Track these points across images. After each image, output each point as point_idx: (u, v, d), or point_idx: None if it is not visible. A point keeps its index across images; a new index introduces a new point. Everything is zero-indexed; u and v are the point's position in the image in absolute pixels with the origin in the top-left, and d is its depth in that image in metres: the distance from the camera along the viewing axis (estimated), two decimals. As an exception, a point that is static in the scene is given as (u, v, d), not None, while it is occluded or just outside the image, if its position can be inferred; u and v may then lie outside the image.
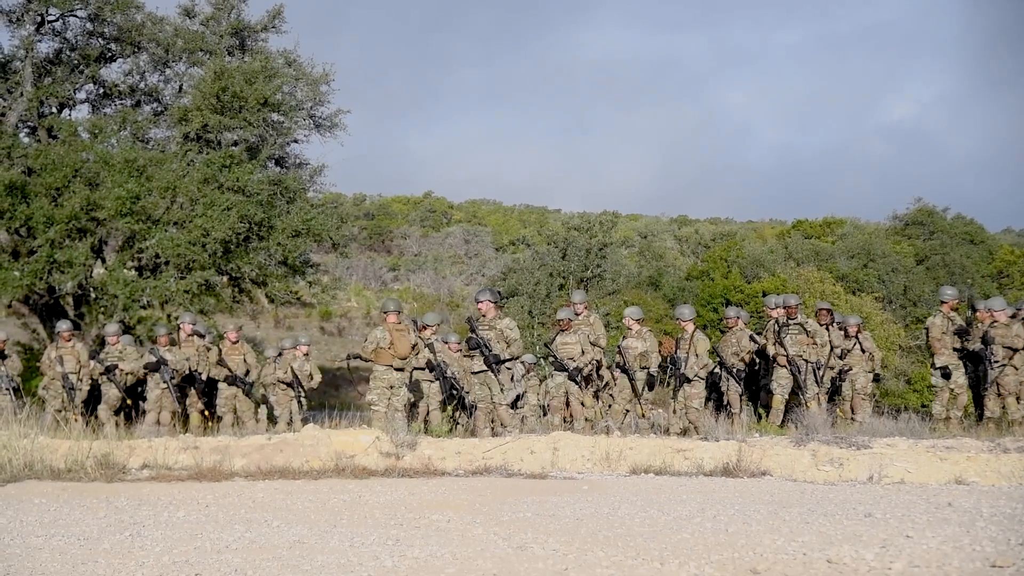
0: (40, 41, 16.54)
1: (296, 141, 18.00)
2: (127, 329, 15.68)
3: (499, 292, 12.14)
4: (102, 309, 15.01)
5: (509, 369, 11.58)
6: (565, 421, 11.97)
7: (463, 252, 55.77)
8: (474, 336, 11.37)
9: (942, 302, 12.67)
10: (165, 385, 12.57)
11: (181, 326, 13.17)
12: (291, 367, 13.40)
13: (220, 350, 13.45)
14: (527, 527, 6.08)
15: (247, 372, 13.46)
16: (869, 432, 9.97)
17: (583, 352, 12.05)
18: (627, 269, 35.28)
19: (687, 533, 5.78)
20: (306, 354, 13.69)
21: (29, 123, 16.71)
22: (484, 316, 11.53)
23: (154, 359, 12.62)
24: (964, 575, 4.69)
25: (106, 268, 15.30)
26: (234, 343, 13.53)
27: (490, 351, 11.29)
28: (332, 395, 14.41)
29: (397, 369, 11.29)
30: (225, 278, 16.25)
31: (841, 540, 5.46)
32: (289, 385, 13.39)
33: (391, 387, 11.30)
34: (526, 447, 9.28)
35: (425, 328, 12.60)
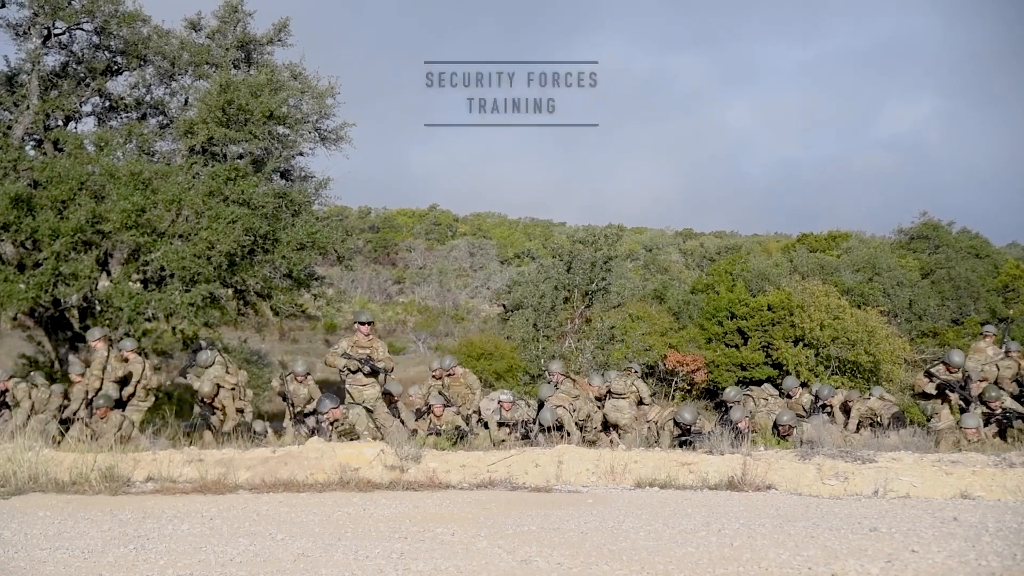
0: (47, 54, 16.58)
1: (301, 154, 17.99)
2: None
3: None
4: (107, 322, 15.01)
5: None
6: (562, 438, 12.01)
7: (468, 265, 55.84)
8: (354, 358, 11.89)
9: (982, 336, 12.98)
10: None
11: (121, 351, 12.90)
12: (286, 391, 13.27)
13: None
14: (532, 540, 6.07)
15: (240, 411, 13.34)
16: (874, 446, 9.96)
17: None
18: (632, 282, 35.30)
19: (692, 547, 5.77)
20: (300, 381, 13.36)
21: (35, 136, 16.73)
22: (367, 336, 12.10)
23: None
24: (970, 590, 4.68)
25: (111, 281, 15.30)
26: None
27: (371, 361, 11.86)
28: (336, 408, 14.42)
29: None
30: (230, 291, 16.24)
31: (846, 554, 5.45)
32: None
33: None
34: (531, 460, 9.27)
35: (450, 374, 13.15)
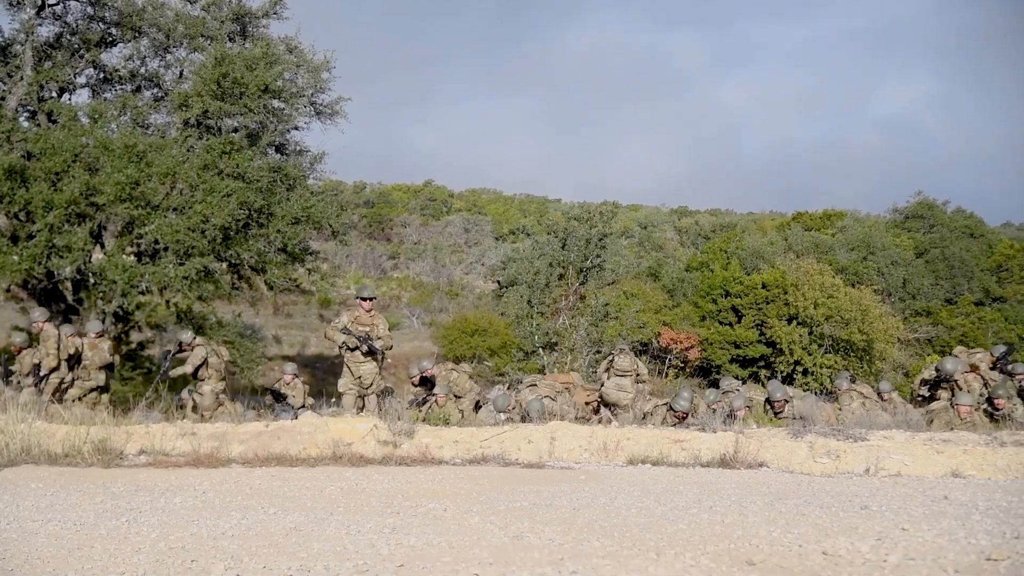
0: (41, 25, 16.48)
1: (297, 128, 17.91)
2: (126, 315, 15.66)
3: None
4: (100, 294, 14.98)
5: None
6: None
7: (463, 241, 55.81)
8: (353, 335, 11.95)
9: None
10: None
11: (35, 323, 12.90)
12: (277, 392, 13.39)
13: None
14: (524, 516, 6.08)
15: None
16: (866, 424, 9.98)
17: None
18: (627, 259, 35.32)
19: (683, 524, 5.79)
20: (288, 383, 13.50)
21: (29, 107, 16.65)
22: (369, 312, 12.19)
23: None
24: (959, 568, 4.69)
25: (105, 253, 15.25)
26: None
27: (369, 340, 11.95)
28: (330, 383, 14.38)
29: None
30: (224, 265, 16.20)
31: (837, 532, 5.46)
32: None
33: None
34: (524, 436, 9.29)
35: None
